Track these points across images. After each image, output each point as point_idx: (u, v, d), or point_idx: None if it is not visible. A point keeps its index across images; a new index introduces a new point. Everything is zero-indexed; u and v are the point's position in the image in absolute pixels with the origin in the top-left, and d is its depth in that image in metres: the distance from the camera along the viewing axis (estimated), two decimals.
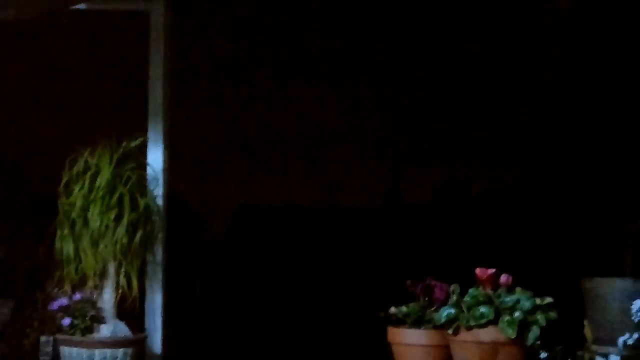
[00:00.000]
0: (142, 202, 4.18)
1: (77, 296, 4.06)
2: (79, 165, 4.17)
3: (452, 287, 3.67)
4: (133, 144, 4.25)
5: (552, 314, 3.41)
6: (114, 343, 3.98)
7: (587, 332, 3.69)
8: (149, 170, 4.35)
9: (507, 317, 3.36)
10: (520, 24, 5.55)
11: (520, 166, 7.72)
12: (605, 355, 3.51)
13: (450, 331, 3.48)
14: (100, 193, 4.10)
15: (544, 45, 5.90)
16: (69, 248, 4.09)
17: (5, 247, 4.85)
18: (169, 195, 4.45)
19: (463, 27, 5.76)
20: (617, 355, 3.46)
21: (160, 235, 4.31)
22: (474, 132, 7.49)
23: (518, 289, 3.46)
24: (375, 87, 6.85)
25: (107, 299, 4.08)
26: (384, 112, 7.25)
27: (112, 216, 4.08)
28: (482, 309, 3.39)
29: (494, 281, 3.49)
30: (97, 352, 3.93)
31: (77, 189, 4.13)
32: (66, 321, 4.00)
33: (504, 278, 3.49)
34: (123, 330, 4.06)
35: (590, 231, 6.60)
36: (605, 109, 6.52)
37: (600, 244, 5.90)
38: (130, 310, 4.13)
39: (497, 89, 6.79)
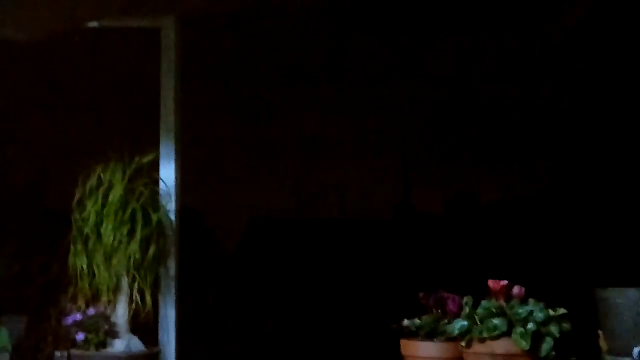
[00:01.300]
0: (154, 217, 4.20)
1: (91, 311, 4.08)
2: (92, 181, 4.20)
3: (464, 299, 3.66)
4: (145, 159, 4.28)
5: (566, 325, 3.40)
6: (128, 357, 3.99)
7: (602, 342, 3.67)
8: (161, 185, 4.37)
9: (520, 329, 3.35)
10: (533, 34, 5.56)
11: (532, 176, 7.70)
12: None
13: (463, 343, 3.47)
14: (113, 208, 4.13)
15: (557, 59, 5.91)
16: (82, 263, 4.11)
17: (19, 262, 4.88)
18: (181, 209, 4.47)
19: (476, 38, 5.76)
20: None
21: (173, 250, 4.33)
22: (485, 142, 7.48)
23: (531, 300, 3.46)
24: (387, 98, 6.86)
25: (121, 314, 4.10)
26: (395, 123, 7.25)
27: (125, 231, 4.11)
28: (495, 321, 3.39)
29: (506, 292, 3.48)
30: None
31: (90, 204, 4.17)
32: (80, 336, 4.02)
33: (516, 289, 3.49)
34: (137, 344, 4.08)
35: (603, 241, 6.57)
36: (619, 118, 6.51)
37: (614, 254, 5.87)
38: (144, 325, 4.14)
39: (509, 99, 6.79)
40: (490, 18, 5.37)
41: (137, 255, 4.08)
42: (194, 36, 4.83)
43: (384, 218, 8.03)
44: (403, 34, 5.68)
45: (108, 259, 4.09)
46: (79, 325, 4.05)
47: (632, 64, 5.73)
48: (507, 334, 3.37)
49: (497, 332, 3.38)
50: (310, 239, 7.82)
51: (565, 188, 7.38)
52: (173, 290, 4.35)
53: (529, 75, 6.37)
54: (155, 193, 4.31)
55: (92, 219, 4.13)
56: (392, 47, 5.94)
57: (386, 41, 5.83)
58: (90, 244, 4.13)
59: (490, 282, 3.50)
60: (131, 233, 4.12)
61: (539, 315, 3.38)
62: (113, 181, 4.20)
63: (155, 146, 4.43)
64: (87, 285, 4.10)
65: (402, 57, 6.12)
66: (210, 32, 5.32)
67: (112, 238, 4.09)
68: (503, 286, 3.48)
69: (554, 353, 3.38)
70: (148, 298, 4.08)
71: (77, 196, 4.19)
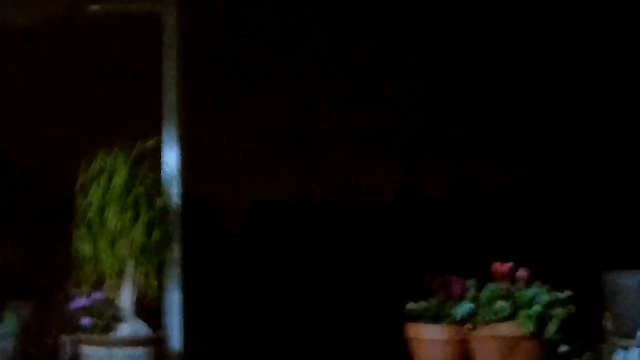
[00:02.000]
0: (158, 202, 4.20)
1: (97, 296, 4.08)
2: (95, 166, 4.20)
3: (469, 282, 3.66)
4: (149, 144, 4.27)
5: (571, 308, 3.40)
6: (134, 342, 4.00)
7: (607, 324, 3.68)
8: (165, 170, 4.37)
9: (525, 312, 3.36)
10: (535, 19, 5.53)
11: (537, 159, 7.68)
12: (626, 348, 3.50)
13: (469, 327, 3.48)
14: (117, 193, 4.13)
15: (558, 41, 5.87)
16: (87, 248, 4.11)
17: (25, 248, 4.89)
18: (185, 194, 4.47)
19: (477, 23, 5.73)
20: (637, 347, 3.44)
21: (177, 234, 4.33)
22: (489, 125, 7.45)
23: (536, 283, 3.46)
24: (390, 82, 6.83)
25: (126, 298, 4.11)
26: (398, 108, 7.23)
27: (130, 216, 4.10)
28: (501, 304, 3.39)
29: (511, 276, 3.48)
30: (118, 350, 3.96)
31: (94, 189, 4.16)
32: (86, 321, 4.03)
33: (521, 272, 3.49)
34: (143, 329, 4.09)
35: (609, 224, 6.56)
36: (623, 99, 6.48)
37: (619, 237, 5.86)
38: (149, 309, 4.15)
39: (512, 82, 6.76)
40: (492, 4, 5.34)
41: (142, 240, 4.08)
42: (196, 21, 4.81)
43: (388, 201, 8.02)
44: (403, 18, 5.66)
45: (112, 244, 4.08)
46: (84, 310, 4.06)
47: (629, 51, 5.71)
48: (513, 316, 3.38)
49: (502, 315, 3.39)
50: (314, 223, 7.82)
51: (571, 171, 7.36)
52: (178, 274, 4.36)
53: (532, 60, 6.34)
54: (159, 178, 4.30)
55: (96, 204, 4.13)
56: (397, 34, 5.91)
57: (391, 27, 5.80)
58: (95, 229, 4.12)
59: (496, 265, 3.50)
60: (135, 218, 4.11)
61: (544, 298, 3.39)
62: (117, 166, 4.19)
63: (158, 131, 4.42)
64: (92, 271, 4.10)
65: (407, 44, 6.10)
66: (211, 16, 5.29)
67: (116, 223, 4.09)
68: (508, 269, 3.48)
69: (559, 336, 3.39)
70: (153, 282, 4.09)
71: (80, 182, 4.19)
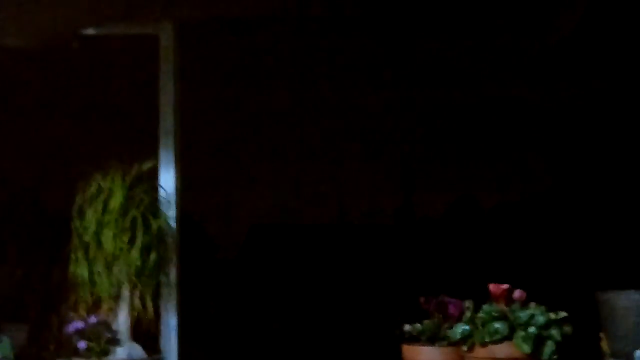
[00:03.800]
0: (155, 224, 4.20)
1: (93, 319, 4.07)
2: (92, 189, 4.20)
3: (466, 303, 3.66)
4: (145, 166, 4.28)
5: (567, 329, 3.40)
6: None
7: (604, 345, 3.67)
8: (161, 192, 4.37)
9: (522, 333, 3.35)
10: (529, 40, 5.56)
11: (533, 179, 7.70)
12: None
13: (465, 348, 3.47)
14: (114, 216, 4.13)
15: (555, 61, 5.91)
16: (83, 271, 4.11)
17: (20, 270, 4.88)
18: (181, 216, 4.47)
19: (473, 40, 5.76)
20: None
21: (174, 257, 4.33)
22: (485, 146, 7.47)
23: (532, 304, 3.46)
24: (385, 101, 6.86)
25: (122, 322, 4.10)
26: (395, 127, 7.25)
27: (126, 239, 4.10)
28: (497, 325, 3.38)
29: (507, 296, 3.48)
30: None
31: (90, 212, 4.16)
32: (82, 344, 4.01)
33: (517, 293, 3.49)
34: (139, 352, 4.07)
35: (604, 243, 6.56)
36: (619, 120, 6.51)
37: (616, 257, 5.87)
38: (146, 332, 4.14)
39: (509, 102, 6.78)
40: (488, 20, 5.37)
41: (138, 263, 4.08)
42: (192, 42, 4.84)
43: (384, 223, 8.03)
44: (401, 35, 5.68)
45: (109, 266, 4.08)
46: (80, 333, 4.05)
47: (629, 65, 5.74)
48: (509, 338, 3.37)
49: (498, 336, 3.38)
50: (311, 245, 7.81)
51: (566, 191, 7.38)
52: (174, 297, 4.35)
53: (529, 78, 6.37)
54: (155, 200, 4.31)
55: (92, 226, 4.13)
56: (391, 50, 5.94)
57: (384, 43, 5.83)
58: (91, 252, 4.12)
59: (491, 286, 3.50)
60: (132, 240, 4.11)
61: (540, 319, 3.38)
62: (113, 189, 4.20)
63: (154, 153, 4.43)
64: (88, 294, 4.10)
65: (401, 60, 6.12)
66: (208, 38, 5.32)
67: (112, 246, 4.09)
68: (504, 290, 3.48)
69: (555, 357, 3.38)
70: (149, 305, 4.08)
71: (77, 204, 4.19)
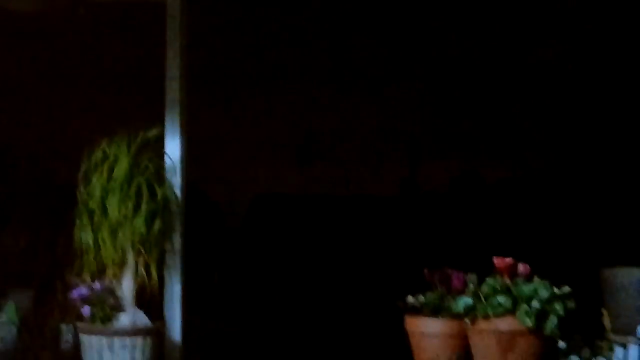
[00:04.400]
0: (160, 192, 4.20)
1: (97, 285, 4.09)
2: (97, 155, 4.20)
3: (469, 277, 3.67)
4: (150, 134, 4.27)
5: (570, 304, 3.40)
6: (133, 331, 4.01)
7: (606, 321, 3.68)
8: (166, 160, 4.37)
9: (524, 307, 3.36)
10: (536, 16, 5.51)
11: (537, 154, 7.68)
12: (624, 345, 3.50)
13: (467, 320, 3.48)
14: (119, 182, 4.12)
15: (559, 38, 5.87)
16: (88, 237, 4.12)
17: (25, 237, 4.90)
18: (186, 184, 4.47)
19: (479, 20, 5.72)
20: (635, 344, 3.45)
21: (178, 224, 4.34)
22: (490, 120, 7.45)
23: (536, 279, 3.46)
24: (391, 78, 6.83)
25: (127, 288, 4.11)
26: (400, 103, 7.22)
27: (131, 205, 4.10)
28: (500, 299, 3.39)
29: (511, 270, 3.48)
30: (117, 340, 3.96)
31: (95, 178, 4.16)
32: (86, 310, 4.04)
33: (521, 267, 3.49)
34: (142, 318, 4.09)
35: (608, 220, 6.56)
36: (626, 97, 6.47)
37: (619, 233, 5.87)
38: (150, 299, 4.16)
39: (513, 78, 6.75)
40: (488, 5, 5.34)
41: (143, 230, 4.08)
42: (200, 9, 4.80)
43: (389, 195, 8.03)
44: (409, 17, 5.65)
45: (113, 233, 4.09)
46: (84, 299, 4.06)
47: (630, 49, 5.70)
48: (512, 311, 3.38)
49: (501, 310, 3.38)
50: (315, 215, 7.82)
51: (571, 166, 7.36)
52: (178, 265, 4.36)
53: (534, 57, 6.33)
54: (160, 168, 4.30)
55: (97, 193, 4.13)
56: (399, 30, 5.91)
57: (393, 23, 5.80)
58: (96, 218, 4.13)
59: (496, 260, 3.50)
60: (136, 207, 4.11)
61: (544, 293, 3.39)
62: (118, 155, 4.19)
63: (160, 121, 4.42)
64: (92, 260, 4.11)
65: (409, 39, 6.09)
66: (215, 7, 5.28)
67: (117, 212, 4.09)
68: (508, 264, 3.48)
69: (558, 331, 3.39)
70: (153, 272, 4.09)
71: (82, 170, 4.19)
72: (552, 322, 3.36)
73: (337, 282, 7.35)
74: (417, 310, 3.76)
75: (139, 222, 4.09)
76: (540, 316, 3.36)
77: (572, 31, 5.82)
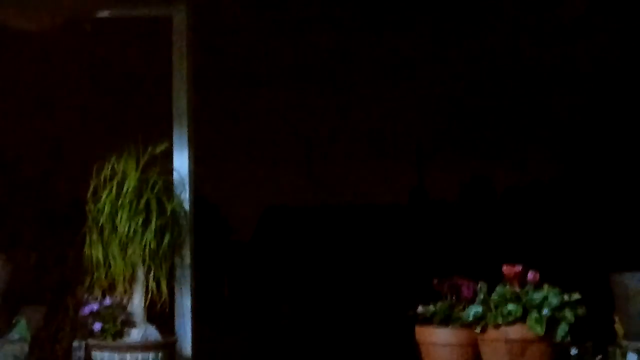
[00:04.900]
0: (169, 207, 4.21)
1: (108, 301, 4.10)
2: (106, 171, 4.22)
3: (479, 285, 3.66)
4: (158, 149, 4.29)
5: (581, 310, 3.39)
6: (144, 347, 4.02)
7: (618, 327, 3.66)
8: (175, 175, 4.38)
9: (535, 314, 3.35)
10: (542, 20, 5.51)
11: (546, 162, 7.66)
12: (637, 350, 3.48)
13: (478, 329, 3.47)
14: (128, 198, 4.14)
15: (566, 43, 5.86)
16: (98, 253, 4.14)
17: (37, 254, 4.92)
18: (195, 198, 4.49)
19: (486, 24, 5.72)
20: None
21: (188, 239, 4.35)
22: (500, 128, 7.44)
23: (546, 286, 3.45)
24: (400, 85, 6.83)
25: (137, 303, 4.12)
26: (408, 110, 7.22)
27: (140, 221, 4.12)
28: (510, 307, 3.38)
29: (521, 278, 3.47)
30: (128, 356, 3.97)
31: (104, 194, 4.18)
32: (97, 326, 4.05)
33: (531, 275, 3.48)
34: (153, 333, 4.10)
35: (618, 225, 6.53)
36: (634, 105, 6.45)
37: (629, 239, 5.84)
38: (160, 314, 4.17)
39: (523, 85, 6.74)
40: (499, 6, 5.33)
41: (153, 245, 4.10)
42: (206, 24, 4.83)
43: (398, 204, 8.02)
44: (419, 25, 5.65)
45: (123, 249, 4.10)
46: (95, 315, 4.08)
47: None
48: (522, 319, 3.37)
49: (511, 318, 3.37)
50: (324, 227, 7.82)
51: (580, 173, 7.34)
52: (189, 279, 4.37)
53: (544, 63, 6.32)
54: (169, 183, 4.32)
55: (106, 209, 4.15)
56: (410, 36, 5.91)
57: (403, 30, 5.80)
58: (106, 234, 4.14)
59: (505, 268, 3.50)
60: (146, 223, 4.13)
61: (554, 300, 3.37)
62: (127, 171, 4.21)
63: (168, 136, 4.44)
64: (103, 276, 4.12)
65: (420, 46, 6.09)
66: (221, 19, 5.31)
67: (127, 228, 4.10)
68: (517, 272, 3.47)
69: (569, 338, 3.37)
70: (164, 287, 4.10)
71: (91, 187, 4.21)
72: (562, 329, 3.35)
73: (347, 293, 7.34)
74: (427, 320, 3.75)
75: (149, 237, 4.11)
76: (551, 323, 3.35)
77: (588, 37, 5.80)
